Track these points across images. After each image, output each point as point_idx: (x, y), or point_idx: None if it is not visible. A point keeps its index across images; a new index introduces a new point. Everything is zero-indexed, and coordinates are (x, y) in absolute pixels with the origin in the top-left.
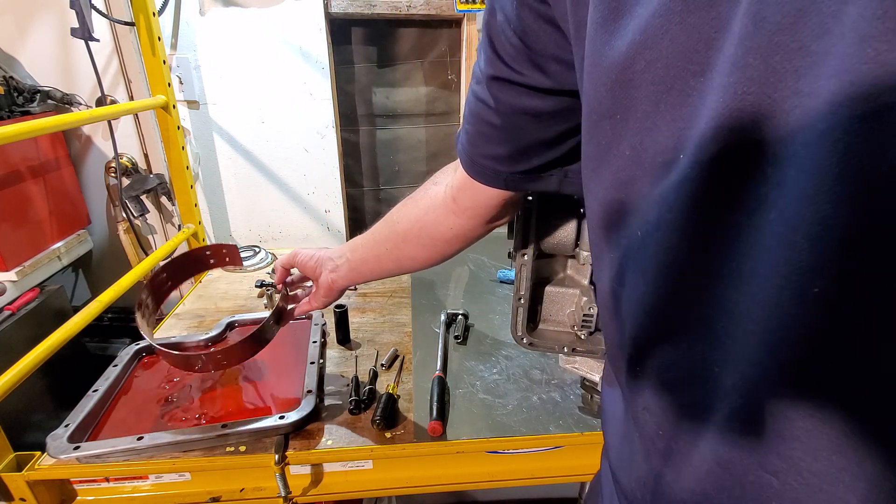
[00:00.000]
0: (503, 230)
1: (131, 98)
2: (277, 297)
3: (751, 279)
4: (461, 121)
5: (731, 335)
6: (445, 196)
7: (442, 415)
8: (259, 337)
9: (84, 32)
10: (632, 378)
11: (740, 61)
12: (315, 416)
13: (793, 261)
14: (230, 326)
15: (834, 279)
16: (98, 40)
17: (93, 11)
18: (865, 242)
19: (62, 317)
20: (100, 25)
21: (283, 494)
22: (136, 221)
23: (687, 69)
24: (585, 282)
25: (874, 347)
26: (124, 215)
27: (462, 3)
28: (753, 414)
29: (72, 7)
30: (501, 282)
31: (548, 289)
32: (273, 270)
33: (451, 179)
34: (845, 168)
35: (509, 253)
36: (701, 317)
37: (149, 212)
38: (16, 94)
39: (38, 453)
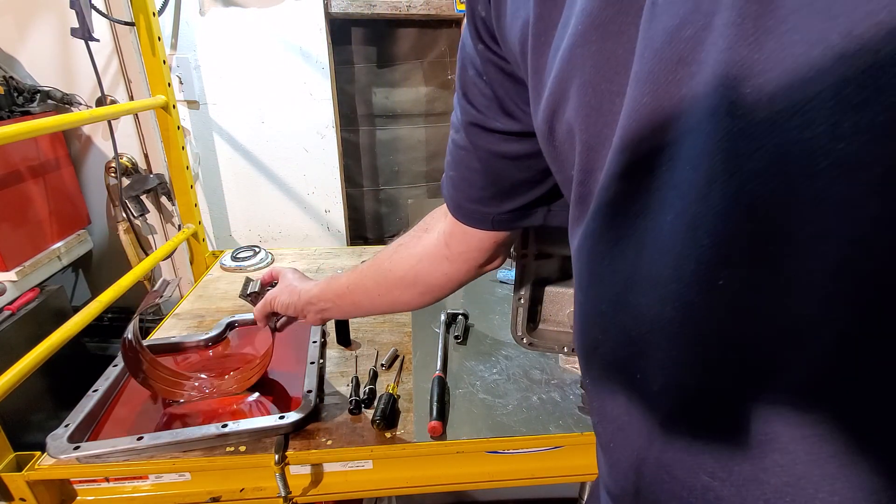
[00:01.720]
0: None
1: (131, 98)
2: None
3: (660, 282)
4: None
5: (649, 340)
6: (438, 242)
7: (442, 415)
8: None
9: (84, 32)
10: (586, 389)
11: (637, 76)
12: (315, 416)
13: (697, 257)
14: (230, 326)
15: (738, 269)
16: (98, 40)
17: (93, 11)
18: (756, 231)
19: (62, 317)
20: (100, 25)
21: (283, 494)
22: (136, 221)
23: (610, 90)
24: None
25: (781, 336)
26: (124, 215)
27: (462, 3)
28: (683, 416)
29: (72, 7)
30: (501, 282)
31: (548, 289)
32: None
33: (442, 226)
34: (728, 163)
35: (509, 253)
36: (623, 325)
37: (149, 212)
38: (16, 94)
39: (38, 453)
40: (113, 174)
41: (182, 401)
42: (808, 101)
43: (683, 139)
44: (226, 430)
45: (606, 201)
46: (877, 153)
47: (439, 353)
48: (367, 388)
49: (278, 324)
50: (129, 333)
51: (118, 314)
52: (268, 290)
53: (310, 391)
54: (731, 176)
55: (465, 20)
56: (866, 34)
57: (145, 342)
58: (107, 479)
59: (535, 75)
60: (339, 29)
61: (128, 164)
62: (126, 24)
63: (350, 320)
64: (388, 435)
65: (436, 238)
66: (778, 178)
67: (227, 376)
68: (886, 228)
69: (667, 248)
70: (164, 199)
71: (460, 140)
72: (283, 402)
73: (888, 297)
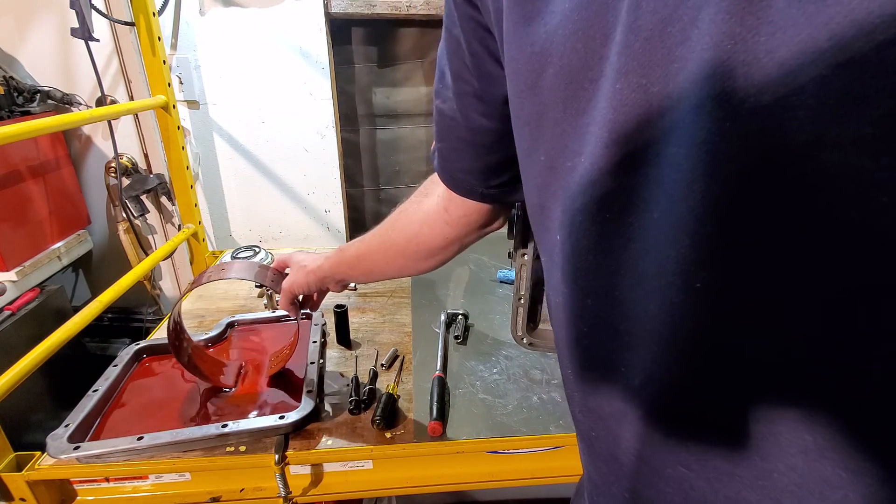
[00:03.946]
0: (503, 231)
1: (131, 98)
2: (277, 297)
3: (644, 278)
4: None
5: (633, 334)
6: (438, 207)
7: (442, 415)
8: None
9: (84, 32)
10: (566, 382)
11: (622, 69)
12: (315, 416)
13: (677, 257)
14: (230, 326)
15: (713, 272)
16: (98, 40)
17: (93, 11)
18: (735, 235)
19: (62, 317)
20: (100, 25)
21: (283, 494)
22: (136, 221)
23: (585, 76)
24: None
25: (754, 339)
26: (124, 215)
27: None
28: (663, 410)
29: (72, 7)
30: (501, 282)
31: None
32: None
33: (441, 190)
34: (708, 164)
35: (509, 253)
36: (608, 319)
37: (149, 212)
38: (16, 94)
39: (38, 453)
40: (113, 174)
41: (231, 389)
42: (790, 107)
43: (669, 137)
44: (226, 430)
45: (593, 195)
46: (858, 165)
47: (439, 353)
48: (367, 388)
49: (310, 305)
50: (177, 315)
51: (118, 314)
52: (279, 277)
53: (310, 391)
54: (711, 179)
55: None
56: (848, 34)
57: (145, 342)
58: (107, 479)
59: (509, 44)
60: (340, 29)
61: (128, 164)
62: (126, 24)
63: (350, 320)
64: (388, 435)
65: (435, 203)
66: (757, 184)
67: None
68: (864, 238)
69: (651, 246)
70: (164, 199)
71: (446, 109)
72: (283, 402)
73: (868, 303)
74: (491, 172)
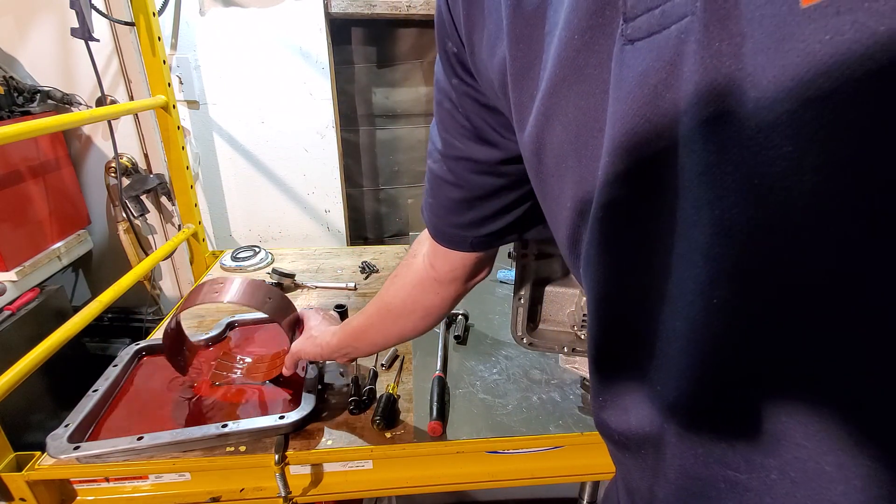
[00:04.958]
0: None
1: (131, 98)
2: None
3: (671, 298)
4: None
5: (665, 352)
6: (425, 265)
7: (442, 415)
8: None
9: (84, 32)
10: (602, 407)
11: (614, 115)
12: (315, 416)
13: (694, 276)
14: (230, 326)
15: (726, 289)
16: (98, 40)
17: (93, 11)
18: (740, 256)
19: (62, 317)
20: (100, 25)
21: (283, 494)
22: (136, 221)
23: (593, 127)
24: None
25: (774, 350)
26: (124, 215)
27: None
28: (700, 426)
29: (72, 7)
30: (501, 282)
31: (548, 289)
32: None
33: (426, 248)
34: (709, 192)
35: (509, 253)
36: (642, 338)
37: (149, 212)
38: (16, 94)
39: (38, 453)
40: (113, 174)
41: (232, 377)
42: (771, 129)
43: (670, 172)
44: (226, 430)
45: (601, 230)
46: (837, 186)
47: (439, 353)
48: (367, 388)
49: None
50: (174, 322)
51: (118, 314)
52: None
53: (310, 391)
54: (713, 207)
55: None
56: (824, 62)
57: (145, 342)
58: (107, 479)
59: (517, 111)
60: (339, 29)
61: (128, 164)
62: (126, 24)
63: None
64: (388, 435)
65: (422, 262)
66: (750, 210)
67: (255, 362)
68: (854, 256)
69: (671, 269)
70: (164, 199)
71: (438, 170)
72: (283, 402)
73: (866, 321)
74: (483, 222)
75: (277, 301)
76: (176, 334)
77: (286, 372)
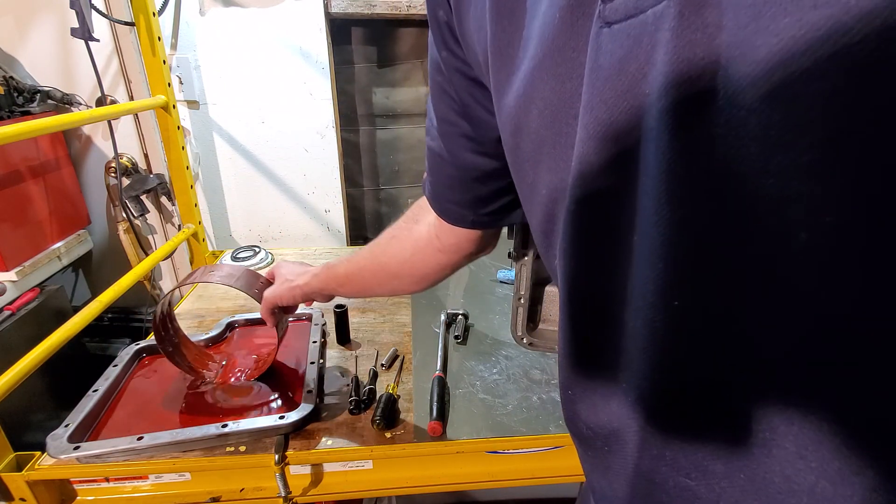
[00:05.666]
0: (504, 231)
1: (131, 98)
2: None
3: (633, 298)
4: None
5: (627, 353)
6: (429, 235)
7: (442, 415)
8: None
9: (84, 32)
10: (568, 402)
11: (588, 103)
12: (315, 416)
13: (656, 278)
14: (230, 326)
15: (686, 292)
16: (98, 40)
17: (93, 11)
18: (699, 257)
19: (62, 317)
20: (100, 25)
21: (283, 494)
22: (136, 221)
23: (568, 113)
24: None
25: (730, 357)
26: (124, 215)
27: None
28: (658, 425)
29: (72, 7)
30: (501, 282)
31: (548, 289)
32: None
33: (431, 218)
34: (671, 193)
35: (509, 253)
36: (609, 334)
37: (149, 212)
38: (16, 94)
39: (38, 453)
40: (113, 174)
41: (210, 380)
42: (738, 138)
43: (637, 168)
44: (226, 430)
45: (572, 223)
46: (801, 190)
47: (439, 353)
48: (367, 388)
49: (290, 310)
50: (162, 308)
51: (118, 314)
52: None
53: (310, 391)
54: (675, 206)
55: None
56: (783, 65)
57: (145, 342)
58: (107, 479)
59: (495, 91)
60: (339, 29)
61: (128, 164)
62: (126, 24)
63: (350, 320)
64: (388, 435)
65: (426, 231)
66: (712, 212)
67: (244, 359)
68: (814, 259)
69: (633, 268)
70: (164, 199)
71: (436, 147)
72: (283, 402)
73: (827, 328)
74: (482, 202)
75: (246, 277)
76: (163, 322)
77: (262, 315)
